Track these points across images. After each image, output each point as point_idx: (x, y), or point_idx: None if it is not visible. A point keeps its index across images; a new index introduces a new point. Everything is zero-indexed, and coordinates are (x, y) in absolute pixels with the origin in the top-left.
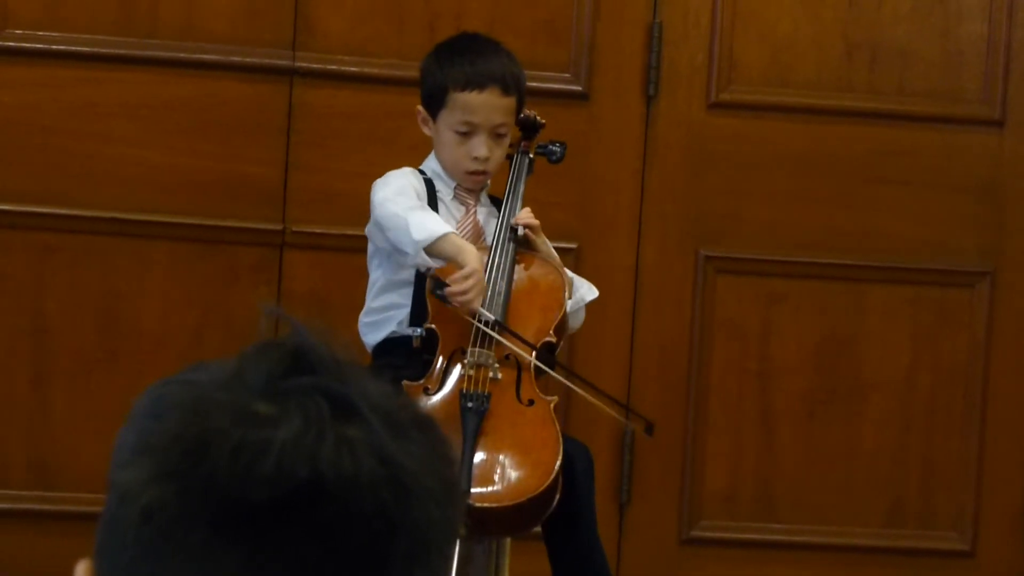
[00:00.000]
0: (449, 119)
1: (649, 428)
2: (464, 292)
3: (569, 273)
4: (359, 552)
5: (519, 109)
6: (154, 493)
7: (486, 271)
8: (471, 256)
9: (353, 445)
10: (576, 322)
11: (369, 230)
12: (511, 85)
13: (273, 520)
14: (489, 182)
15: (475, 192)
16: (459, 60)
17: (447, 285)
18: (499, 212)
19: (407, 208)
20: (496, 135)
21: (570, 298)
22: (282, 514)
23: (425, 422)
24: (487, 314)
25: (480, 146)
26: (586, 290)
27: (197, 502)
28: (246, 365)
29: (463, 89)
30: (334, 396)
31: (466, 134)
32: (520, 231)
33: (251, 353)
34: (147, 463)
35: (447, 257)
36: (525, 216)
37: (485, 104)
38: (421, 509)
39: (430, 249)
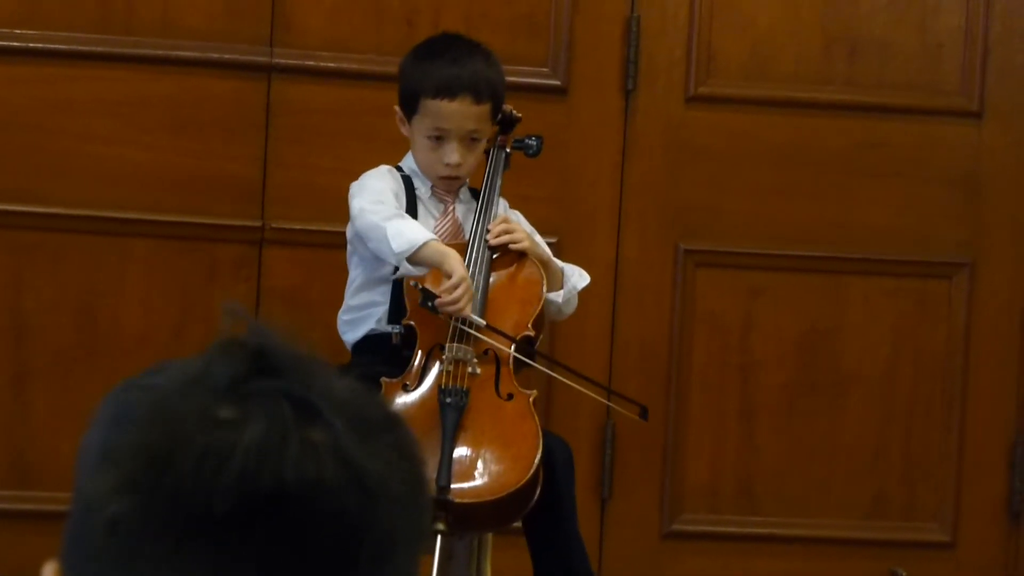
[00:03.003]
0: (421, 125)
1: (644, 412)
2: (455, 301)
3: (559, 262)
4: (326, 556)
5: (496, 112)
6: (119, 504)
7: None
8: (455, 262)
9: (317, 449)
10: (570, 308)
11: (350, 237)
12: (484, 92)
13: (239, 528)
14: (468, 180)
15: (453, 192)
16: (432, 65)
17: (436, 296)
18: (477, 208)
19: (385, 218)
20: (469, 141)
21: (561, 288)
22: (247, 521)
23: (392, 421)
24: (478, 320)
25: (452, 153)
26: (577, 277)
27: (162, 512)
28: (209, 367)
29: (434, 96)
30: (297, 399)
31: (439, 139)
32: (505, 240)
33: (214, 354)
34: (111, 473)
35: (430, 264)
36: (496, 235)
37: (456, 112)
38: (387, 512)
39: (412, 258)
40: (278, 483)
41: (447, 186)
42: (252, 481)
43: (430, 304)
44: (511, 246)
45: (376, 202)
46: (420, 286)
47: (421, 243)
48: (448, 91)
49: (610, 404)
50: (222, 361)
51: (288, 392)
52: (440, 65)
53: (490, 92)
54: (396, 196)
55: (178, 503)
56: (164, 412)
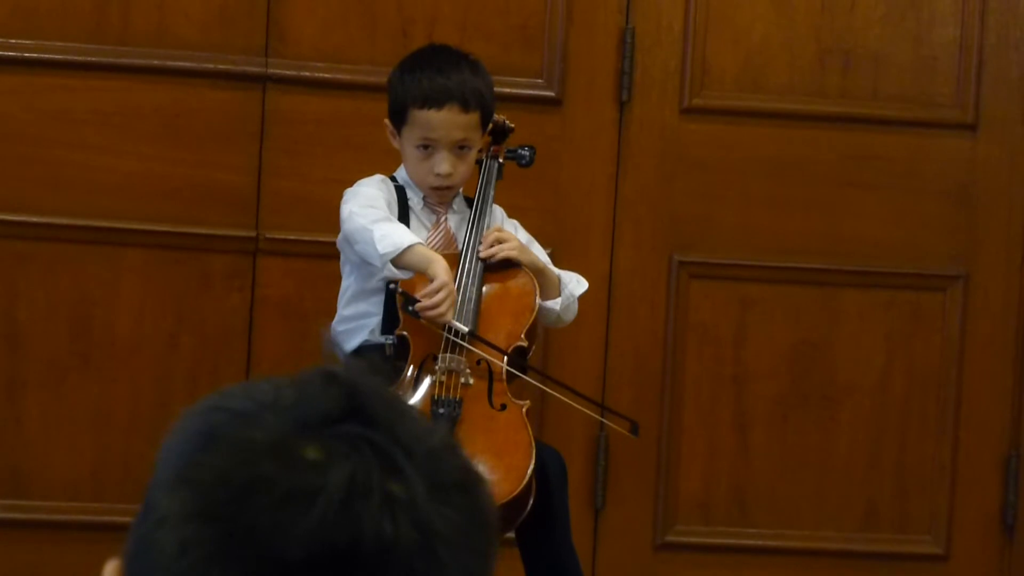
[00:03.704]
0: (410, 135)
1: (634, 428)
2: (435, 306)
3: (556, 270)
4: None
5: (485, 122)
6: (193, 529)
7: (456, 277)
8: (439, 267)
9: (394, 507)
10: (570, 315)
11: (339, 242)
12: (471, 101)
13: (303, 574)
14: (461, 189)
15: (446, 202)
16: (419, 76)
17: (418, 300)
18: (470, 217)
19: (373, 220)
20: (459, 150)
21: (558, 296)
22: (314, 570)
23: (470, 482)
24: (460, 326)
25: (442, 163)
26: (575, 284)
27: (235, 547)
28: (300, 400)
29: (421, 106)
30: (382, 450)
31: (428, 150)
32: (496, 251)
33: (307, 386)
34: (190, 497)
35: (415, 269)
36: (488, 245)
37: (444, 122)
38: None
39: (397, 261)
40: (355, 538)
41: (439, 196)
42: (330, 532)
43: (411, 308)
44: (499, 254)
45: (366, 206)
46: (402, 290)
47: (406, 246)
48: (435, 101)
49: (603, 420)
50: (315, 396)
51: (373, 441)
52: (427, 75)
53: (478, 101)
54: (388, 205)
55: (253, 541)
56: (250, 443)
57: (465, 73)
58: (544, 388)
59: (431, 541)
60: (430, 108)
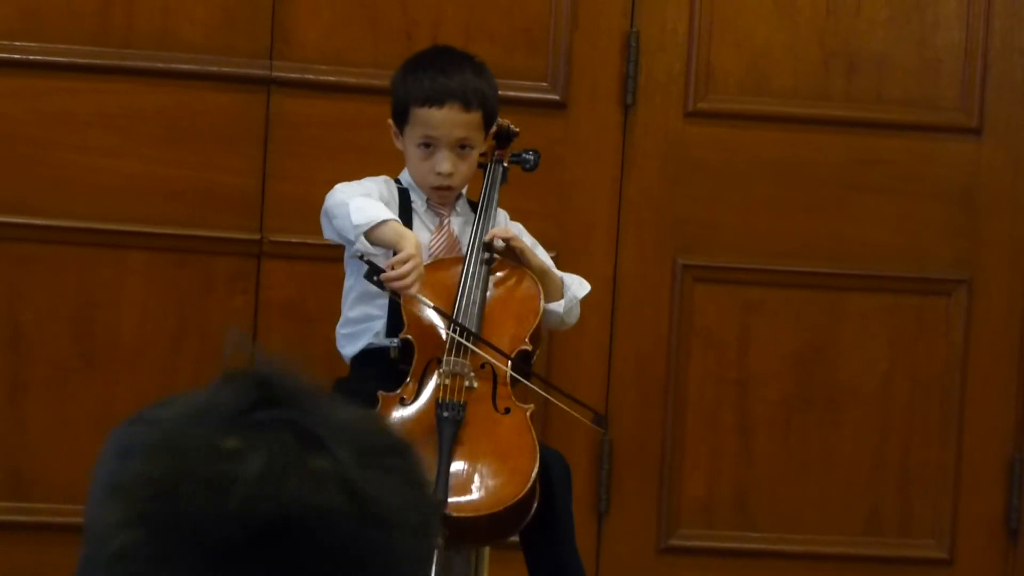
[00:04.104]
0: (412, 134)
1: (599, 420)
2: (400, 277)
3: (559, 272)
4: None
5: (488, 123)
6: (127, 535)
7: (460, 280)
8: (410, 242)
9: (319, 478)
10: (572, 318)
11: (325, 229)
12: (473, 100)
13: (245, 556)
14: (465, 191)
15: (448, 203)
16: (421, 75)
17: (383, 270)
18: (474, 220)
19: (351, 196)
20: (460, 150)
21: (561, 298)
22: (252, 551)
23: (397, 447)
24: (424, 300)
25: (443, 161)
26: (577, 286)
27: (169, 543)
28: (213, 399)
29: (423, 105)
30: (300, 428)
31: (429, 149)
32: (498, 243)
33: (218, 385)
34: (118, 505)
35: (387, 244)
36: (497, 232)
37: (445, 120)
38: (391, 538)
39: (371, 235)
40: (281, 512)
41: (441, 197)
42: (255, 510)
43: (376, 278)
44: (506, 242)
45: (351, 184)
46: (367, 257)
47: (381, 220)
48: (436, 99)
49: (575, 413)
50: (226, 392)
51: (292, 421)
52: (429, 75)
53: (479, 100)
54: (385, 203)
55: (184, 533)
56: (169, 444)
57: (467, 73)
58: (543, 394)
59: (366, 505)
60: (431, 106)
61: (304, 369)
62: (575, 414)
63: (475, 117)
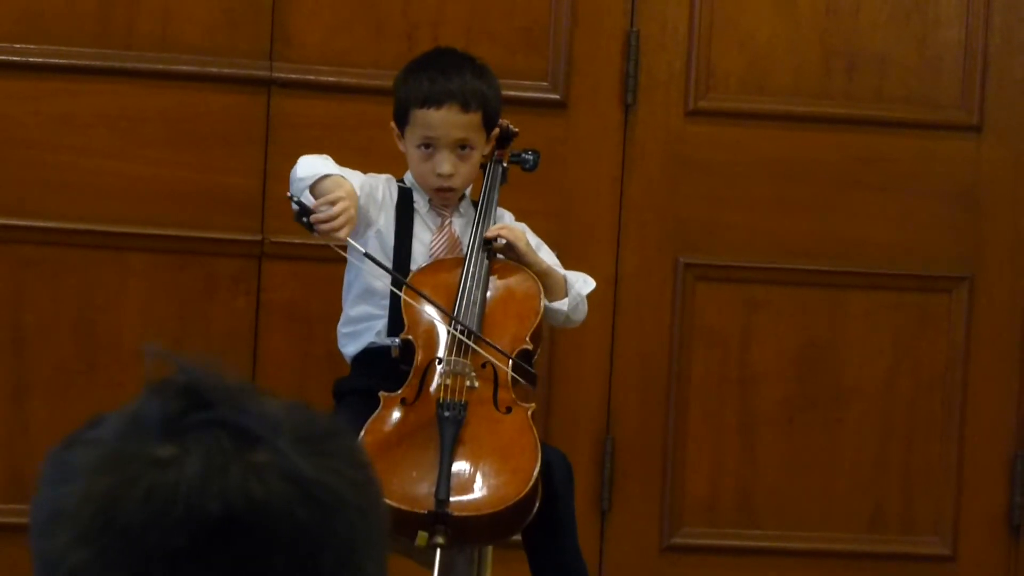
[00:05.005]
0: (412, 136)
1: (532, 378)
2: (328, 219)
3: (562, 270)
4: (290, 573)
5: (489, 124)
6: (76, 556)
7: (461, 280)
8: (344, 188)
9: (260, 471)
10: (579, 315)
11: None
12: (472, 101)
13: (198, 559)
14: (468, 191)
15: (451, 205)
16: (421, 76)
17: (313, 212)
18: (474, 220)
19: (305, 157)
20: (461, 151)
21: (564, 296)
22: (204, 553)
23: (334, 431)
24: (356, 245)
25: (443, 163)
26: (581, 283)
27: (118, 558)
28: (141, 411)
29: (422, 106)
30: (233, 426)
31: (429, 150)
32: (499, 241)
33: (145, 397)
34: (63, 529)
35: (324, 194)
36: (496, 229)
37: (444, 121)
38: (342, 520)
39: (314, 190)
40: (226, 509)
41: (443, 199)
42: (200, 513)
43: (305, 220)
44: (504, 238)
45: (315, 156)
46: (296, 198)
47: (324, 174)
48: (435, 100)
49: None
50: (153, 403)
51: (224, 421)
52: (428, 76)
53: (479, 101)
54: (371, 194)
55: (133, 545)
56: (106, 461)
57: (467, 75)
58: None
59: (311, 491)
60: (429, 107)
61: (227, 367)
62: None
63: (474, 118)
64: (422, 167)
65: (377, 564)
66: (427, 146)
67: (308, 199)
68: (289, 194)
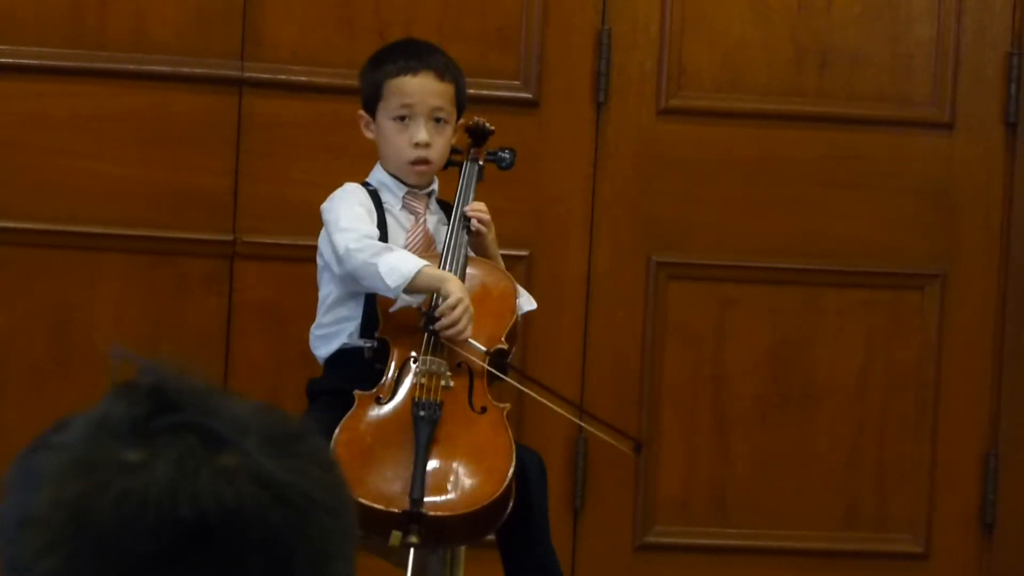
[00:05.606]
0: (386, 108)
1: (638, 447)
2: (454, 323)
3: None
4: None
5: (460, 104)
6: (47, 562)
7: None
8: (453, 284)
9: (230, 474)
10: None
11: (325, 259)
12: (446, 72)
13: (170, 564)
14: (436, 186)
15: (423, 197)
16: (394, 55)
17: (436, 318)
18: (449, 219)
19: (374, 254)
20: (436, 124)
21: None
22: (175, 557)
23: (303, 432)
24: (479, 346)
25: (419, 130)
26: (524, 300)
27: (91, 563)
28: (108, 414)
29: (397, 75)
30: (201, 429)
31: (404, 120)
32: (473, 225)
33: (110, 401)
34: (33, 535)
35: (427, 291)
36: (478, 208)
37: (421, 87)
38: (314, 522)
39: (409, 288)
40: (197, 513)
41: (417, 176)
42: (171, 517)
43: (431, 328)
44: (480, 221)
45: (360, 237)
46: (423, 310)
47: (414, 272)
48: (411, 68)
49: (582, 424)
50: (120, 406)
51: (191, 423)
52: (400, 54)
53: (452, 75)
54: (368, 213)
55: (105, 551)
56: (74, 466)
57: (437, 53)
58: (524, 390)
59: (281, 493)
60: (406, 75)
61: (194, 368)
62: (557, 409)
63: (448, 88)
64: (398, 140)
65: (347, 563)
66: (403, 118)
67: (404, 299)
68: (404, 306)
